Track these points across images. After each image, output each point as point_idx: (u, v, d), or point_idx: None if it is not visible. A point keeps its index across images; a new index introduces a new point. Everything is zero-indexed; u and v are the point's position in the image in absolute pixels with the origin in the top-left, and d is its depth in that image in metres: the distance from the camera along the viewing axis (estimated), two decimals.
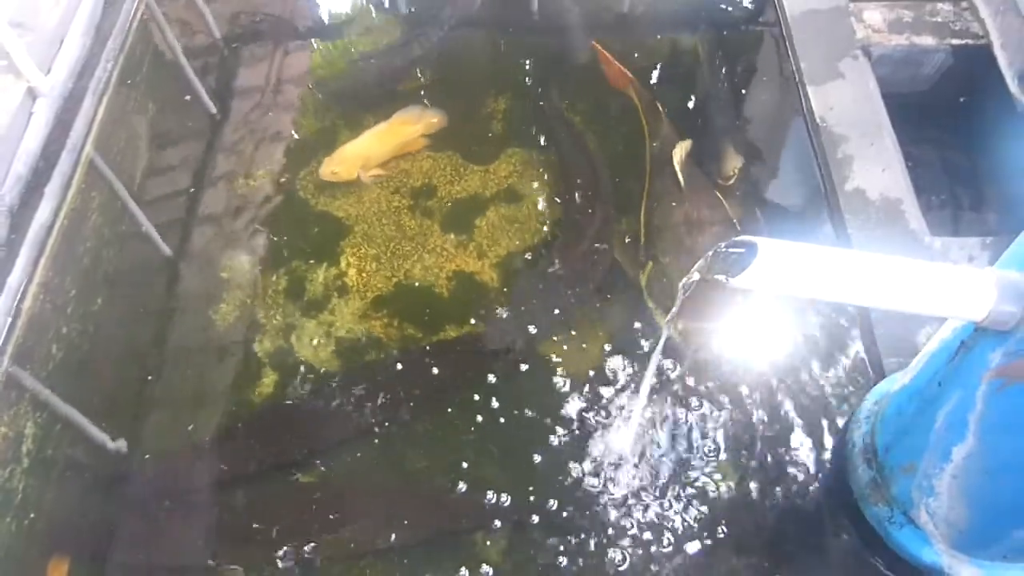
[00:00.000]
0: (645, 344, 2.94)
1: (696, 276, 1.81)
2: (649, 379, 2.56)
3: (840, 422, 2.72)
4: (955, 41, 3.57)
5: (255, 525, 2.68)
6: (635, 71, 3.75)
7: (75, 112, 3.23)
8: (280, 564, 2.56)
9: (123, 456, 2.81)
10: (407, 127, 3.63)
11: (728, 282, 1.68)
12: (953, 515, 2.10)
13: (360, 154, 3.52)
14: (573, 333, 3.02)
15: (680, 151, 3.25)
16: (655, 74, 3.95)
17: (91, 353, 3.02)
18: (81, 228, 3.13)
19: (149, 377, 2.99)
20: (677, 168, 3.18)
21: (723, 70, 3.97)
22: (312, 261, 3.29)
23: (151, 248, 3.38)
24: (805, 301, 3.00)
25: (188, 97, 3.87)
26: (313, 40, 4.19)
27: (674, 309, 2.10)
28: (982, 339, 1.76)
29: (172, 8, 4.13)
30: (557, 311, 3.08)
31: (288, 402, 2.91)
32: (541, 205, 3.44)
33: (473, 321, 3.09)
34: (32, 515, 2.62)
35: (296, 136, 3.73)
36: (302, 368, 2.98)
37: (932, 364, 2.04)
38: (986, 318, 1.64)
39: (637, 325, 3.00)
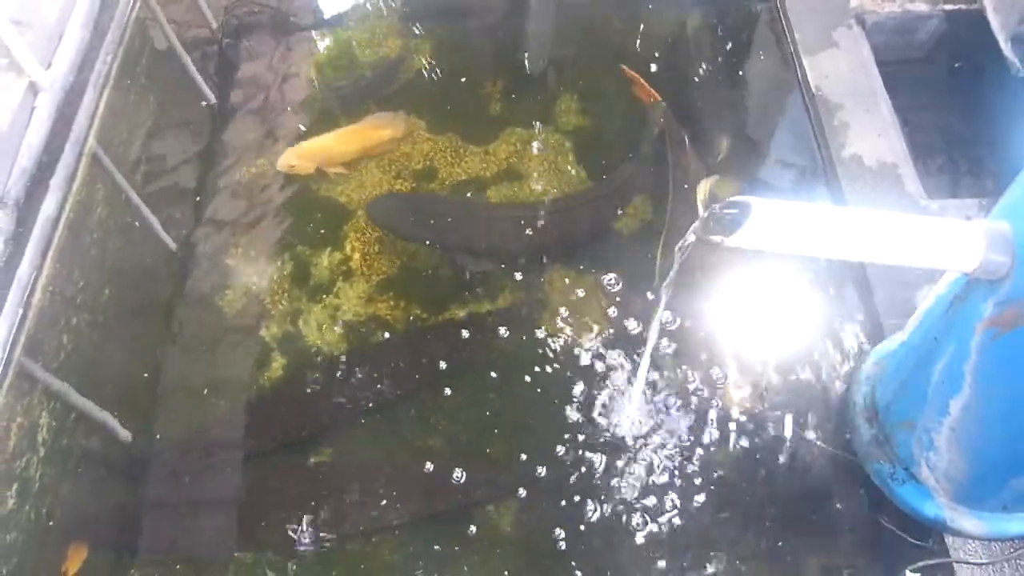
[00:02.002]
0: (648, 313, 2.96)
1: (692, 238, 1.83)
2: (651, 345, 2.58)
3: (841, 384, 2.75)
4: (948, 6, 3.57)
5: (268, 506, 2.73)
6: (630, 46, 3.75)
7: (76, 106, 3.24)
8: (294, 543, 2.61)
9: (136, 443, 2.87)
10: (375, 131, 3.59)
11: (723, 242, 1.71)
12: (953, 468, 2.13)
13: (321, 151, 3.50)
14: (578, 303, 3.05)
15: (705, 188, 3.16)
16: (650, 47, 3.95)
17: (102, 343, 3.06)
18: (87, 220, 3.15)
19: (160, 365, 3.04)
20: (700, 208, 3.09)
21: (717, 42, 3.98)
22: (316, 246, 3.32)
23: (156, 238, 3.41)
24: (803, 266, 3.02)
25: (188, 88, 3.89)
26: (311, 29, 4.20)
27: (671, 273, 2.13)
28: (974, 290, 1.79)
29: (170, 1, 4.14)
30: (561, 285, 3.12)
31: (298, 385, 2.95)
32: (541, 184, 3.46)
33: (478, 299, 3.12)
34: (50, 503, 2.66)
35: (295, 124, 3.75)
36: (310, 352, 3.02)
37: (928, 319, 2.07)
38: (977, 268, 1.67)
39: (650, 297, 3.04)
